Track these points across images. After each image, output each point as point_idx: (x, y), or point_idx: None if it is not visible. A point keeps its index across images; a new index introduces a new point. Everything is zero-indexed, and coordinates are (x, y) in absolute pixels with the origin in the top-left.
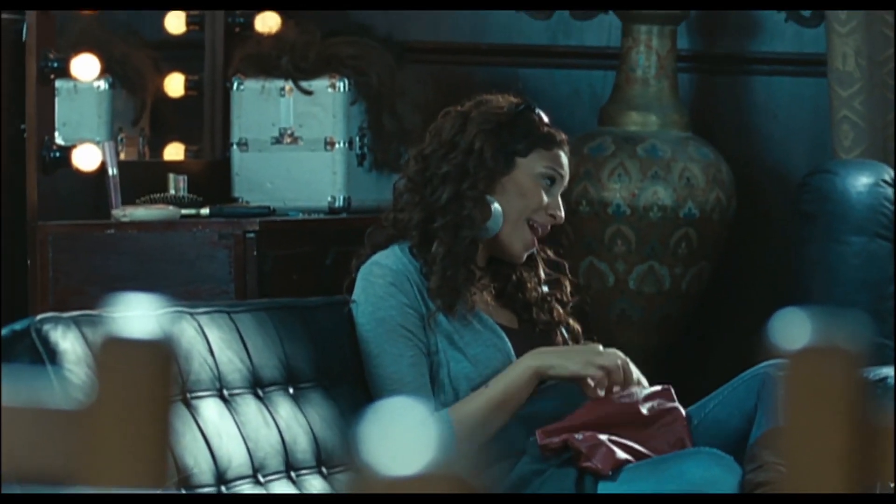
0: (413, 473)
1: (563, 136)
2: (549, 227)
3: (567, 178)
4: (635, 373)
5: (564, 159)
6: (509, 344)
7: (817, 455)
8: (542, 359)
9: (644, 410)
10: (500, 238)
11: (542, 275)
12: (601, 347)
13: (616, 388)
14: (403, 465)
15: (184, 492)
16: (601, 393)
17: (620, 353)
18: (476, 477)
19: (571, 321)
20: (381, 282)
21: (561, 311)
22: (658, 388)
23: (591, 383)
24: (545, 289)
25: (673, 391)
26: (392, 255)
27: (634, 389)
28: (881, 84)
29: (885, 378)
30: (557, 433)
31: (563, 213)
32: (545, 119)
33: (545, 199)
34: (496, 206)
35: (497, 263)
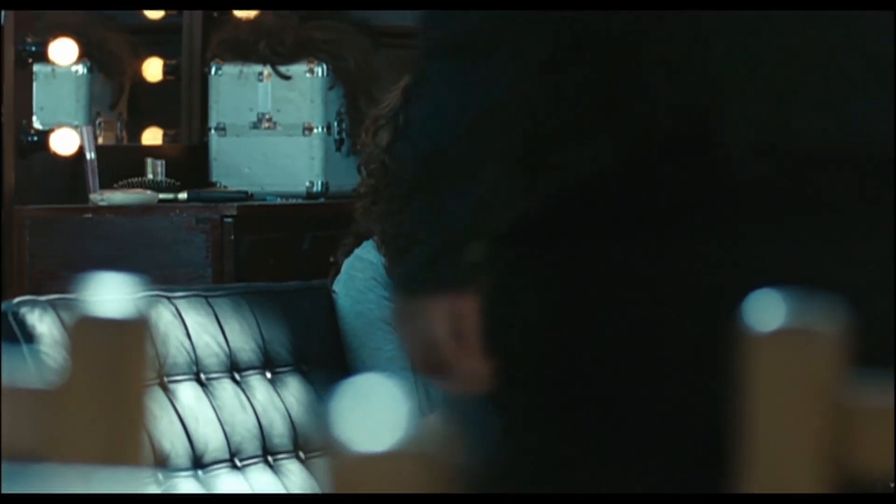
0: (381, 451)
1: None
2: None
3: None
4: None
5: None
6: None
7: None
8: None
9: None
10: None
11: None
12: None
13: None
14: (372, 441)
15: (160, 475)
16: None
17: None
18: (448, 457)
19: None
20: (361, 276)
21: None
22: None
23: None
24: None
25: None
26: (374, 247)
27: None
28: None
29: None
30: None
31: None
32: None
33: None
34: None
35: None
